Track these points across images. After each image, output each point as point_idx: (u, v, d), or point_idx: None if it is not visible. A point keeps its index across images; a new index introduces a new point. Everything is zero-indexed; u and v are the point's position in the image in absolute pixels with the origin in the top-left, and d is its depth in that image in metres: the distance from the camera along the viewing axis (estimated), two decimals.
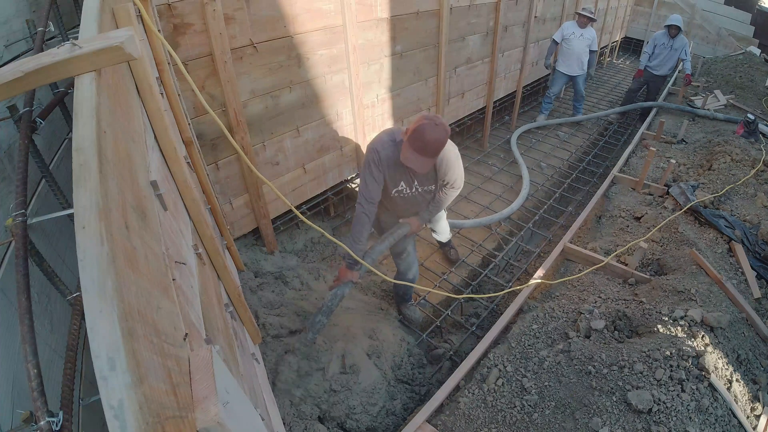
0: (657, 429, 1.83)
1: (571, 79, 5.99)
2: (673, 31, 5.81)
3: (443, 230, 3.32)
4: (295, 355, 2.10)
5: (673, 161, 4.02)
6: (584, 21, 5.51)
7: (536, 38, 5.79)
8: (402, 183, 2.22)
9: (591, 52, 5.75)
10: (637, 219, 3.61)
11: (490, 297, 3.05)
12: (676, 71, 7.26)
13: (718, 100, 6.26)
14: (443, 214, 3.03)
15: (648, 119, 5.85)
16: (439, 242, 3.57)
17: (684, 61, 6.02)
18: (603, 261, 2.99)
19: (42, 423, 0.59)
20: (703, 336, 2.21)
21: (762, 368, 2.40)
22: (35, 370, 0.62)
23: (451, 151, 2.16)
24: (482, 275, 3.42)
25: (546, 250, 3.74)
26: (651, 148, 3.98)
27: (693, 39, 9.47)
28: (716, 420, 1.93)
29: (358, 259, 2.16)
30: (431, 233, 3.41)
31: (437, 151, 1.91)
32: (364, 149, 3.48)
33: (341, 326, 2.57)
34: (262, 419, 1.19)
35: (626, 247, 3.15)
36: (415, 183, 2.25)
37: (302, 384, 2.16)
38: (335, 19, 2.81)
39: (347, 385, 2.23)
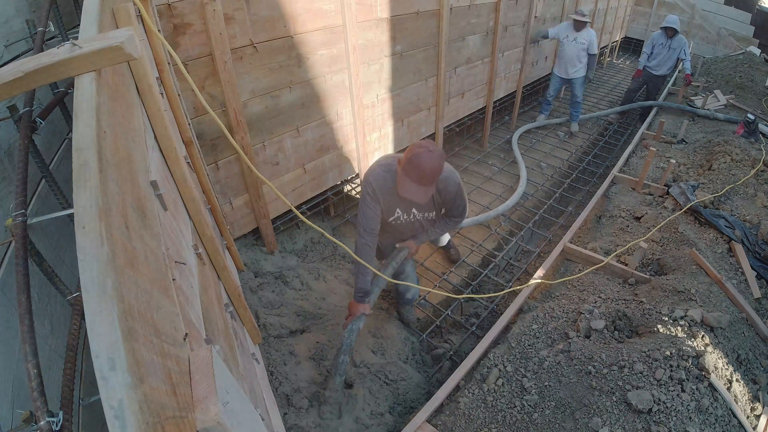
0: (657, 429, 1.83)
1: (567, 82, 5.90)
2: (670, 32, 5.78)
3: (442, 240, 3.34)
4: (330, 405, 2.07)
5: (673, 161, 4.02)
6: (579, 25, 5.39)
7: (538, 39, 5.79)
8: (398, 210, 2.22)
9: (590, 55, 5.58)
10: (637, 219, 3.61)
11: (490, 297, 3.05)
12: (676, 71, 7.26)
13: (718, 100, 6.26)
14: None
15: (648, 119, 5.85)
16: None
17: (684, 61, 6.00)
18: (603, 261, 2.99)
19: (42, 423, 0.59)
20: (703, 336, 2.21)
21: (762, 368, 2.39)
22: (35, 370, 0.62)
23: (453, 180, 2.15)
24: (482, 275, 3.42)
25: (546, 250, 3.74)
26: (651, 148, 3.98)
27: (693, 39, 9.47)
28: (716, 420, 1.93)
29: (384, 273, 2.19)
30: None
31: (435, 178, 1.88)
32: (364, 149, 3.49)
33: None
34: (262, 419, 1.19)
35: (626, 247, 3.15)
36: (413, 210, 2.25)
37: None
38: (335, 19, 2.81)
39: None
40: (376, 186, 2.08)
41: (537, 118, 6.25)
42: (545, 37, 5.65)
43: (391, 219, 2.25)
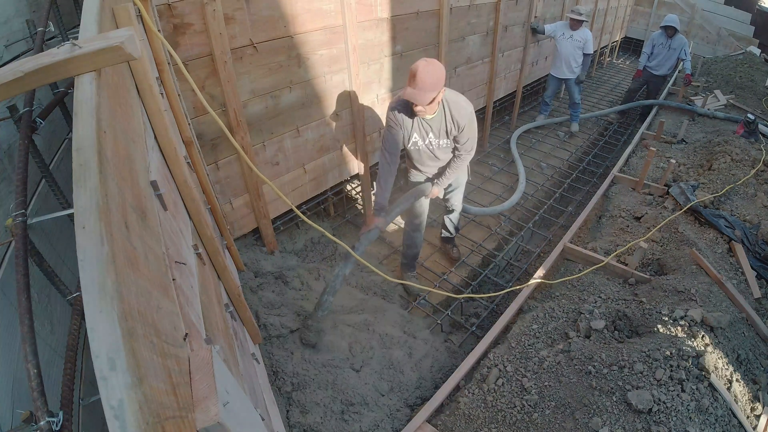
0: (657, 429, 1.83)
1: (563, 83, 5.84)
2: (670, 31, 5.76)
3: (457, 202, 3.23)
4: (311, 332, 2.36)
5: (673, 161, 4.01)
6: (574, 24, 5.33)
7: (536, 38, 5.78)
8: (415, 135, 2.54)
9: (585, 54, 5.49)
10: (637, 219, 3.61)
11: (490, 297, 3.05)
12: (676, 71, 7.25)
13: (718, 100, 6.25)
14: (462, 184, 3.14)
15: (648, 119, 5.84)
16: (444, 238, 3.59)
17: (684, 60, 5.99)
18: (603, 261, 2.99)
19: (42, 423, 0.59)
20: (703, 336, 2.21)
21: (762, 368, 2.39)
22: (35, 370, 0.62)
23: (466, 109, 2.42)
24: (482, 275, 3.42)
25: (546, 250, 3.74)
26: (651, 148, 3.98)
27: (693, 39, 9.47)
28: (716, 420, 1.93)
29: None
30: (444, 216, 3.43)
31: (425, 81, 2.13)
32: (364, 149, 3.49)
33: (345, 324, 2.58)
34: (262, 419, 1.19)
35: (626, 247, 3.15)
36: (430, 135, 2.53)
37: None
38: (335, 19, 2.81)
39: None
40: (396, 111, 2.42)
41: (536, 118, 6.25)
42: (542, 32, 5.57)
43: (410, 144, 2.59)
